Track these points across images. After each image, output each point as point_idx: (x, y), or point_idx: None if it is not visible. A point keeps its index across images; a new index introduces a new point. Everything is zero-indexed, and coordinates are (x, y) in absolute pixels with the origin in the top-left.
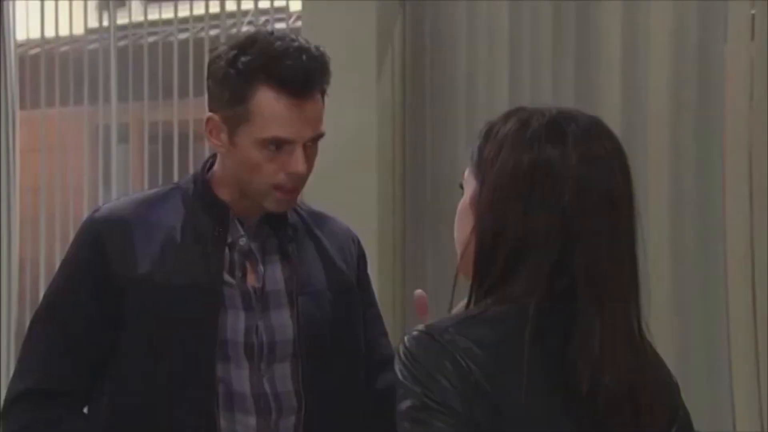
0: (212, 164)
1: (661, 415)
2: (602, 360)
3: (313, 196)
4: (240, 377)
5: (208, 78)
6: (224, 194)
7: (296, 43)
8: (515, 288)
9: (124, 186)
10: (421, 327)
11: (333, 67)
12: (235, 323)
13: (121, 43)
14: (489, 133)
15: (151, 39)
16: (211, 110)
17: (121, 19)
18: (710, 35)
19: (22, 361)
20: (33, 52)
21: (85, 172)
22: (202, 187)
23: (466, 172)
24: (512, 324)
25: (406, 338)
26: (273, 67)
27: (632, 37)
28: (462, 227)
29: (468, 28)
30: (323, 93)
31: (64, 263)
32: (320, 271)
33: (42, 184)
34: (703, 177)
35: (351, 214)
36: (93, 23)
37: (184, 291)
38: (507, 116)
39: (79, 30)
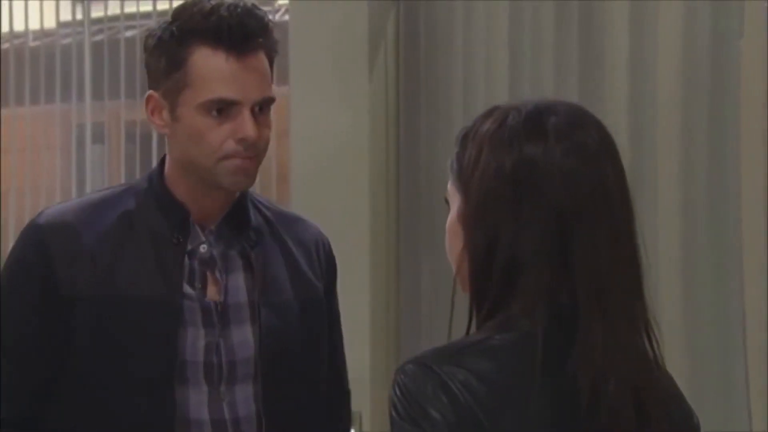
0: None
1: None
2: (603, 368)
3: (303, 202)
4: (198, 402)
5: (144, 55)
6: (180, 192)
7: (229, 1)
8: (517, 306)
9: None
10: (417, 357)
11: (322, 65)
12: (195, 341)
13: (97, 38)
14: (465, 138)
15: (128, 33)
16: (150, 88)
17: (96, 12)
18: (724, 29)
19: None
20: (1, 47)
21: (58, 174)
22: (158, 186)
23: (449, 185)
24: (516, 355)
25: (401, 369)
26: (206, 23)
27: (640, 33)
28: (454, 245)
29: (465, 28)
30: (270, 58)
31: (4, 276)
32: (286, 279)
33: (12, 186)
34: (719, 176)
35: (342, 220)
36: (66, 16)
37: (140, 304)
38: (483, 118)
39: (50, 23)
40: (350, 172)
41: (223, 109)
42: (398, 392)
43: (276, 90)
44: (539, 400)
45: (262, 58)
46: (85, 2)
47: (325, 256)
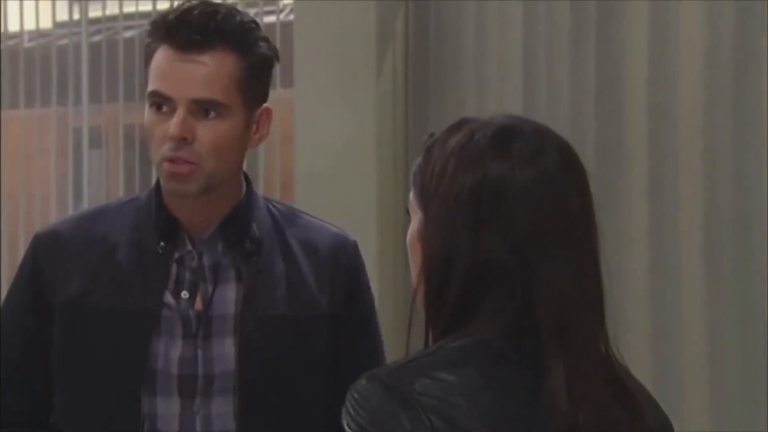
0: None
1: None
2: (572, 413)
3: (307, 209)
4: (168, 414)
5: None
6: (171, 203)
7: (195, 2)
8: (472, 325)
9: (97, 195)
10: (370, 373)
11: (328, 67)
12: (169, 352)
13: (94, 39)
14: (430, 151)
15: (127, 34)
16: None
17: (94, 12)
18: (748, 27)
19: None
20: None
21: (54, 180)
22: (155, 195)
23: (411, 197)
24: (475, 363)
25: (354, 387)
26: (165, 20)
27: (661, 32)
28: (414, 262)
29: (477, 28)
30: (246, 63)
31: (11, 283)
32: (283, 293)
33: (4, 193)
34: (743, 176)
35: (348, 228)
36: (62, 16)
37: (115, 315)
38: (449, 132)
39: (46, 24)
40: (357, 178)
41: (161, 104)
42: (351, 411)
43: (281, 93)
44: (500, 418)
45: (218, 59)
46: (83, 2)
47: (345, 267)
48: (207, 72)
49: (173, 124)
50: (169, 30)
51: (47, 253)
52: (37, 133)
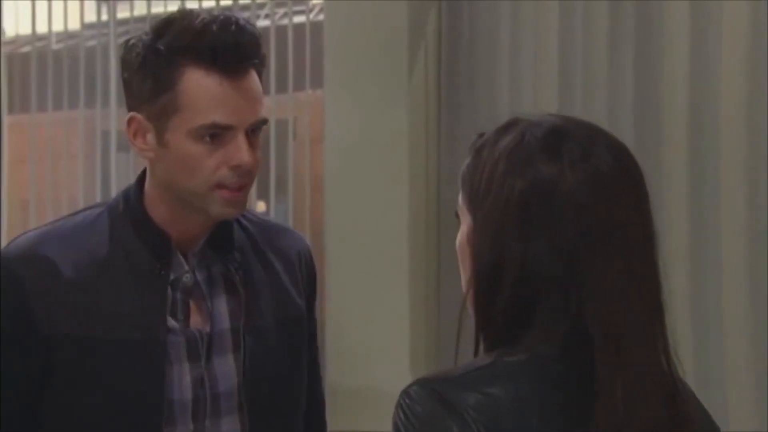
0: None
1: None
2: (625, 422)
3: (338, 212)
4: None
5: (123, 71)
6: (160, 216)
7: (221, 16)
8: (526, 335)
9: None
10: (423, 379)
11: (360, 66)
12: (182, 378)
13: (122, 40)
14: (480, 152)
15: None
16: (131, 109)
17: (122, 13)
18: None
19: None
20: (23, 50)
21: (81, 183)
22: (136, 208)
23: (460, 199)
24: (529, 377)
25: (406, 392)
26: (199, 42)
27: (702, 33)
28: (465, 268)
29: (512, 27)
30: (260, 74)
31: None
32: (268, 298)
33: (32, 197)
34: None
35: (380, 230)
36: (90, 17)
37: (123, 344)
38: (499, 132)
39: (74, 25)
40: (388, 180)
41: (216, 134)
42: (403, 416)
43: (310, 94)
44: (554, 424)
45: (254, 76)
46: (111, 3)
47: (306, 268)
48: (255, 93)
49: (244, 152)
50: (212, 55)
51: (35, 279)
52: (65, 135)
